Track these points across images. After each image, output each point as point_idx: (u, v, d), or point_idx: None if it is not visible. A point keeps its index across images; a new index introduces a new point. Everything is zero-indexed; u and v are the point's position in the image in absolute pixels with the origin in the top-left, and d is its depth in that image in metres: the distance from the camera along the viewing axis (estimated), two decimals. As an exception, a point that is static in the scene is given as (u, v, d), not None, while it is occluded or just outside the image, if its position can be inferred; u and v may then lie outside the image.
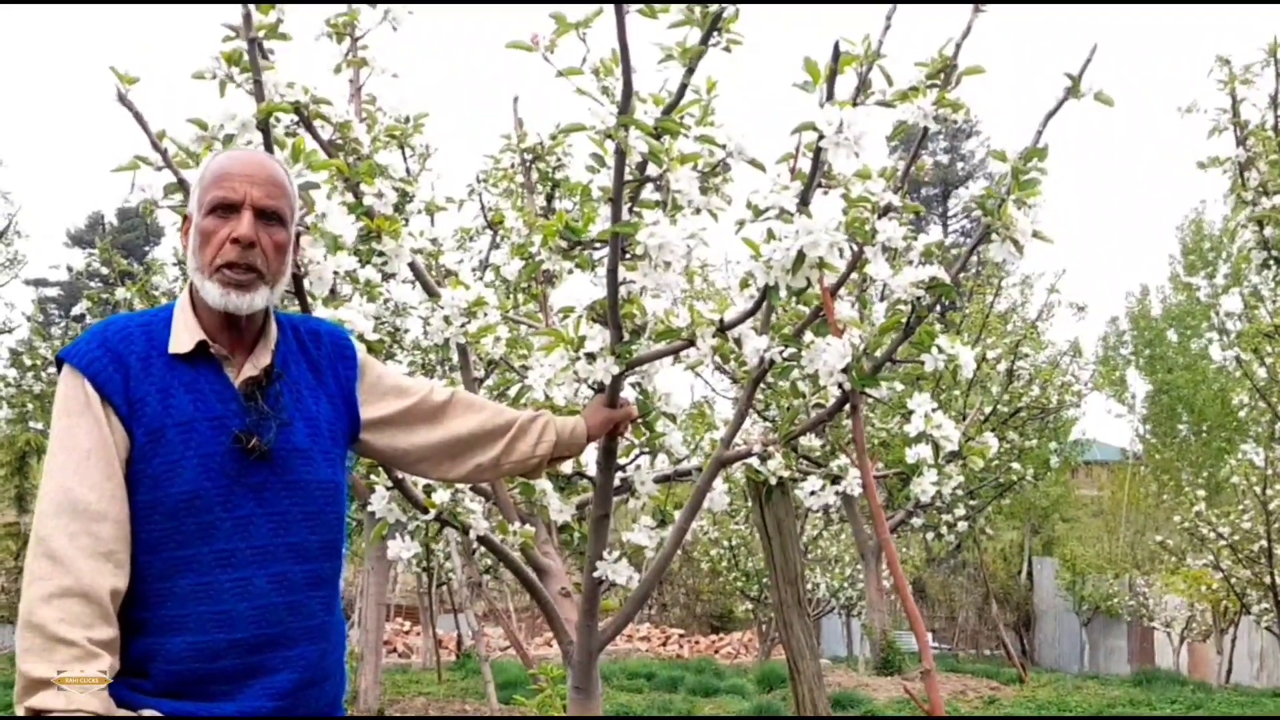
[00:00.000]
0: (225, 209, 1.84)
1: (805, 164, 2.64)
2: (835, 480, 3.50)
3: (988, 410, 10.41)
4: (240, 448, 1.80)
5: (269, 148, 2.48)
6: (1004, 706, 9.70)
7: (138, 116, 2.66)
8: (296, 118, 2.77)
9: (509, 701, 8.76)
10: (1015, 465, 11.22)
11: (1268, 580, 11.10)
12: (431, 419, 2.16)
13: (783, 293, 2.44)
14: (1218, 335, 23.75)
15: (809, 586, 13.71)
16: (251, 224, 1.83)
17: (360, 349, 2.12)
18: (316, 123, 2.85)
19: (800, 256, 2.42)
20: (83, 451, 1.74)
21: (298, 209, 1.99)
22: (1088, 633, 20.25)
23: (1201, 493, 13.43)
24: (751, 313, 2.62)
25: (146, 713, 1.70)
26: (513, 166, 4.04)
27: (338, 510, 1.94)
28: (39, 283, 32.56)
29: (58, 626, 1.62)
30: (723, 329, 2.65)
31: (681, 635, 19.15)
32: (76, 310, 8.57)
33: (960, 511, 11.53)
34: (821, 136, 2.42)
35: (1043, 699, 9.96)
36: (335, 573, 1.93)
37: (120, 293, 6.58)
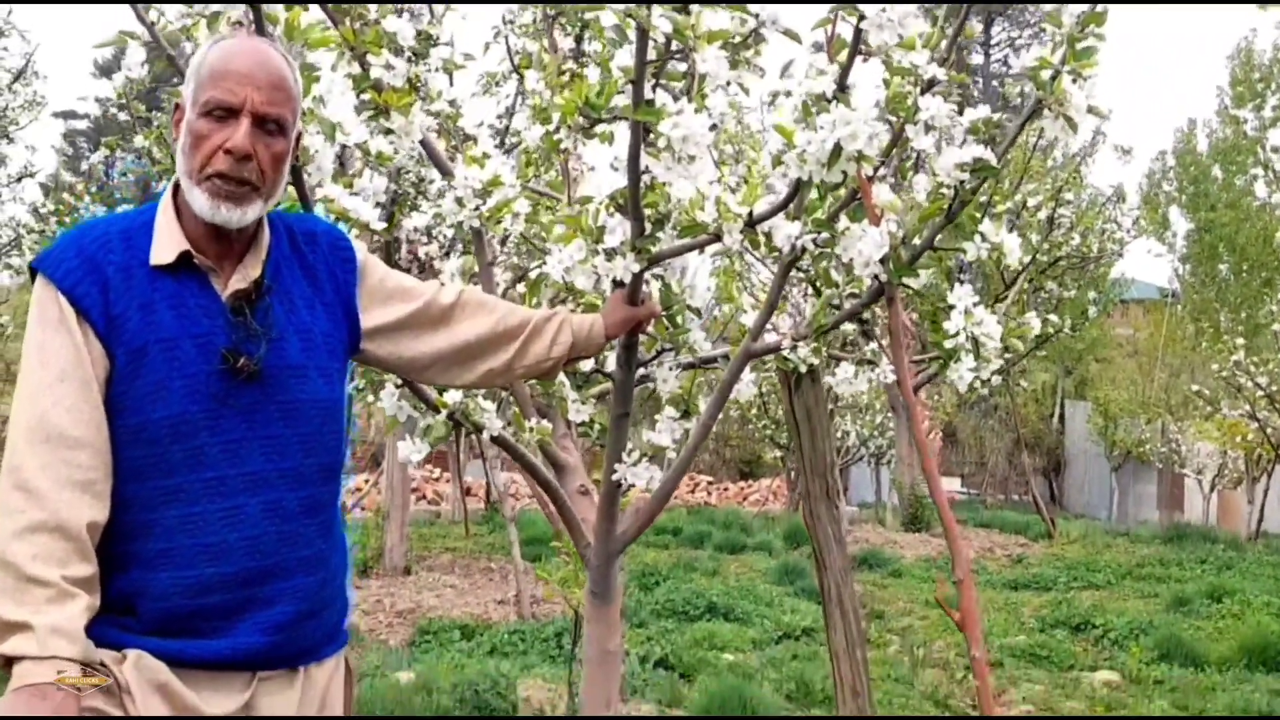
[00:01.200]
0: (222, 112, 1.67)
1: (844, 29, 2.41)
2: (870, 365, 3.36)
3: (1026, 260, 10.11)
4: (228, 367, 1.67)
5: (260, 27, 2.26)
6: (1031, 565, 9.76)
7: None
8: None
9: (535, 559, 8.87)
10: (1052, 317, 11.01)
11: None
12: (438, 323, 2.02)
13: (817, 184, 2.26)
14: (1263, 171, 23.27)
15: (838, 435, 13.72)
16: (248, 135, 1.67)
17: (360, 250, 1.96)
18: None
19: (837, 149, 2.22)
20: (57, 372, 1.61)
21: (301, 106, 1.83)
22: (1117, 478, 20.28)
23: (1240, 341, 13.28)
24: (783, 206, 2.44)
25: (131, 654, 1.61)
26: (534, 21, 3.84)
27: (337, 430, 1.82)
28: (67, 115, 31.89)
29: (31, 564, 1.51)
30: (751, 223, 2.47)
31: (710, 482, 19.33)
32: (95, 157, 8.40)
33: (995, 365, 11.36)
34: (862, 18, 2.19)
35: (1071, 558, 10.01)
36: (333, 497, 1.82)
37: (139, 140, 6.39)
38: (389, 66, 2.67)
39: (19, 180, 10.76)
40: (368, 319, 1.91)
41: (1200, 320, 21.09)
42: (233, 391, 1.67)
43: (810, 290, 3.77)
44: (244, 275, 1.73)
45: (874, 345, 3.32)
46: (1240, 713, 5.28)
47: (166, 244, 1.69)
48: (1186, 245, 24.07)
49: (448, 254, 6.85)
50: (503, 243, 3.61)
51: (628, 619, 6.52)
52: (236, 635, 1.65)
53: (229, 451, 1.66)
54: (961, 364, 3.40)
